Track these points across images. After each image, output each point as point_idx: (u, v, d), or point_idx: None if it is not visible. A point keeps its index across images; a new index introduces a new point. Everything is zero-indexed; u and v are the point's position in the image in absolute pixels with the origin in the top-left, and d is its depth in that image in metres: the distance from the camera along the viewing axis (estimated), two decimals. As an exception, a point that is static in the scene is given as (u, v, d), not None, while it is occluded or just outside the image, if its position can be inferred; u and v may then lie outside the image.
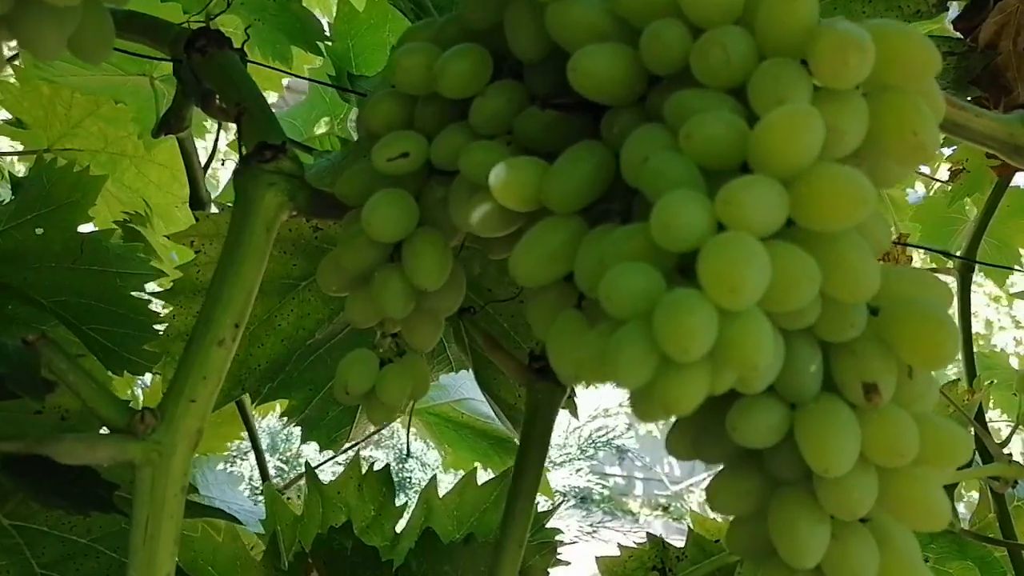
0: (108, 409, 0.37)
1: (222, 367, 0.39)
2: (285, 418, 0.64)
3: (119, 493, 0.50)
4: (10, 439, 0.40)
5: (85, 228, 0.82)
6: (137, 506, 0.38)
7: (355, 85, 0.76)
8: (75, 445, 0.37)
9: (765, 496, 0.33)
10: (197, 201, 0.73)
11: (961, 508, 0.71)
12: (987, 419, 0.70)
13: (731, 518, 0.36)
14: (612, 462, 5.59)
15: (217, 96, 0.55)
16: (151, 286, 0.76)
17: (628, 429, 5.12)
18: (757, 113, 0.30)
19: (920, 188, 1.07)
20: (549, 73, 0.37)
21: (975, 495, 0.74)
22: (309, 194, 0.43)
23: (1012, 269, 0.76)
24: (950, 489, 0.67)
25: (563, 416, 0.48)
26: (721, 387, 0.29)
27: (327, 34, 0.67)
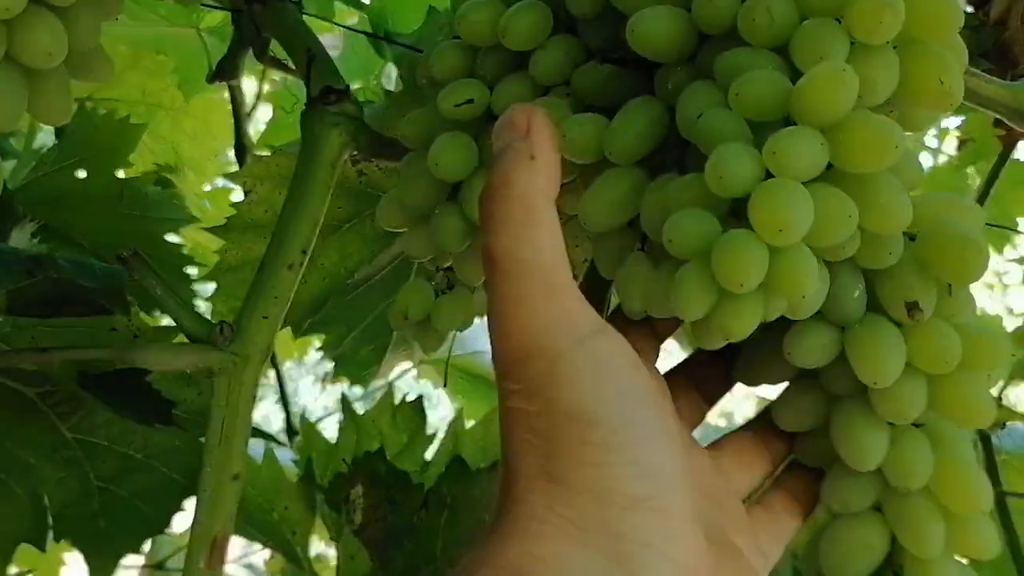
0: (191, 322, 0.41)
1: (291, 288, 0.43)
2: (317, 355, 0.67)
3: (176, 412, 0.54)
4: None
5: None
6: (214, 409, 0.41)
7: (391, 42, 0.79)
8: (161, 352, 0.41)
9: (826, 410, 0.37)
10: (241, 146, 0.77)
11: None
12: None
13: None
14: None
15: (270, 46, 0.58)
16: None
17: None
18: (800, 69, 0.33)
19: (927, 161, 1.10)
20: (602, 28, 0.40)
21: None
22: (369, 136, 0.47)
23: (1013, 230, 0.79)
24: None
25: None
26: (772, 314, 0.33)
27: (369, -9, 0.70)
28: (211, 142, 0.93)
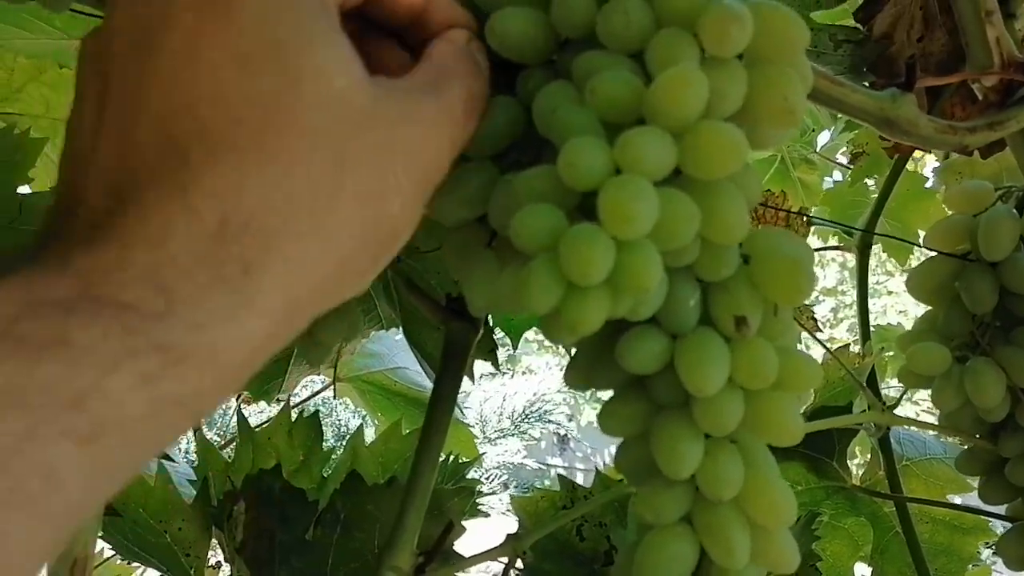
0: None
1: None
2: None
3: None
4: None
5: (23, 190, 0.83)
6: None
7: None
8: None
9: (649, 419, 0.37)
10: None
11: (854, 468, 0.77)
12: (883, 387, 0.76)
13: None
14: (554, 452, 5.71)
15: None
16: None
17: (570, 420, 5.21)
18: (653, 75, 0.34)
19: (838, 175, 1.13)
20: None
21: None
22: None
23: (914, 243, 0.81)
24: (844, 447, 0.72)
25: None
26: (619, 311, 0.33)
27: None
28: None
